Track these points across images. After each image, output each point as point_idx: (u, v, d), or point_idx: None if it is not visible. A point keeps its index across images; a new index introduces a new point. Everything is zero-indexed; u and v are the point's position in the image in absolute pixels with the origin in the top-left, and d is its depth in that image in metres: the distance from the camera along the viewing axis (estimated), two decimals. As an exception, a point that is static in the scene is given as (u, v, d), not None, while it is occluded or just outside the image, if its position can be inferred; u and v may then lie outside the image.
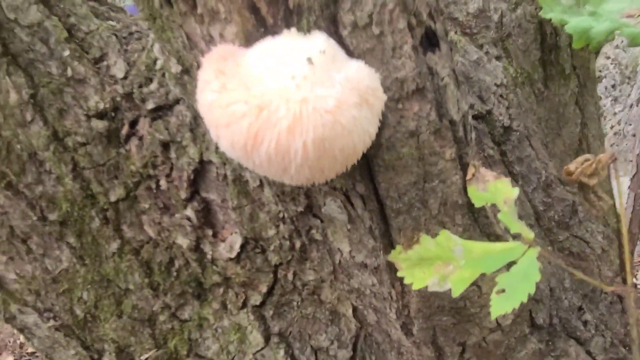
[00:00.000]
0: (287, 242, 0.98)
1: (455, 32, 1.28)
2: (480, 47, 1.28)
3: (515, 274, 0.77)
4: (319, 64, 0.70)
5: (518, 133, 1.21)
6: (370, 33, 0.75)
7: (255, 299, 1.03)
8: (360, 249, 0.92)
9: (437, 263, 0.81)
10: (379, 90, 0.73)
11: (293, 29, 0.73)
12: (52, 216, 0.98)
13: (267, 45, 0.73)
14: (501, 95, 1.22)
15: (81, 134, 0.96)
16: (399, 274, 0.80)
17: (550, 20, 1.17)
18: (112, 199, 0.99)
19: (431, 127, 0.81)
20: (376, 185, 0.86)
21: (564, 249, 1.28)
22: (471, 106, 1.17)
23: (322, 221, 0.94)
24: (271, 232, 0.98)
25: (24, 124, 0.94)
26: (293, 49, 0.71)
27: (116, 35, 1.01)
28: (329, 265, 0.99)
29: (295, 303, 1.05)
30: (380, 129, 0.80)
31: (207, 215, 1.00)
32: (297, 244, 0.98)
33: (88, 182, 0.98)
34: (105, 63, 0.99)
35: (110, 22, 1.03)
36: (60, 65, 0.96)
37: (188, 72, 0.86)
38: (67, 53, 0.96)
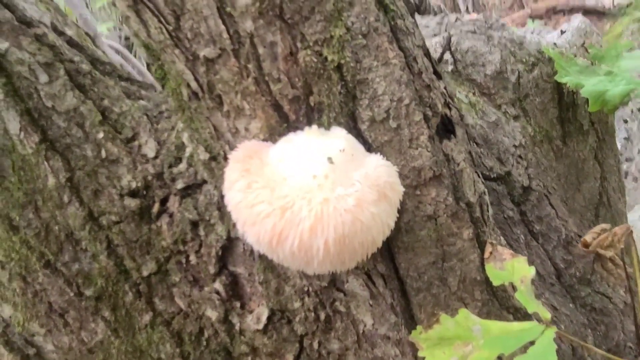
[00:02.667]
0: (312, 314, 1.01)
1: (474, 94, 1.32)
2: (499, 107, 1.31)
3: (533, 356, 0.79)
4: (338, 162, 0.74)
5: (537, 192, 1.24)
6: (388, 126, 0.79)
7: (283, 368, 1.07)
8: (383, 322, 0.95)
9: (457, 342, 0.84)
10: (396, 184, 0.76)
11: (314, 126, 0.78)
12: (88, 292, 1.03)
13: (290, 144, 0.77)
14: (520, 156, 1.25)
15: (115, 213, 1.01)
16: (419, 354, 0.83)
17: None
18: (145, 273, 1.03)
19: (448, 210, 0.84)
20: (396, 265, 0.89)
21: (586, 305, 1.29)
22: (490, 168, 1.20)
23: (345, 294, 0.97)
24: (297, 304, 1.01)
25: (61, 205, 1.00)
26: (314, 148, 0.75)
27: (147, 115, 1.06)
28: (353, 335, 1.02)
29: (321, 370, 1.08)
30: (399, 213, 0.83)
31: (235, 288, 1.04)
32: (322, 316, 1.01)
33: (122, 258, 1.03)
34: (136, 142, 1.04)
35: (142, 102, 1.08)
36: (95, 147, 1.01)
37: (215, 159, 0.91)
38: (101, 135, 1.02)
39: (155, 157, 1.03)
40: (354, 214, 0.71)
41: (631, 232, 0.91)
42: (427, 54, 0.83)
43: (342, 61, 0.76)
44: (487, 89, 1.32)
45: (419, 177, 0.82)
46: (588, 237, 0.97)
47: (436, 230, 0.85)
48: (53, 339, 1.07)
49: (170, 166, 1.02)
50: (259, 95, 0.79)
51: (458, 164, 0.85)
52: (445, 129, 0.85)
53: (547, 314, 0.83)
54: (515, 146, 1.24)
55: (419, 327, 0.85)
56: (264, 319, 1.03)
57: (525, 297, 0.85)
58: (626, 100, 1.16)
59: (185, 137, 0.93)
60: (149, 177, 1.02)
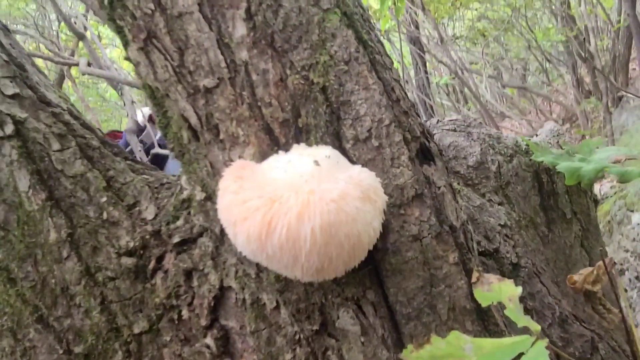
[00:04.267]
0: (304, 366, 0.99)
1: (458, 183, 1.39)
2: (483, 195, 1.38)
3: (526, 363, 0.78)
4: (324, 165, 0.80)
5: (527, 269, 1.26)
6: (371, 145, 0.86)
7: None
8: (376, 364, 0.93)
9: (450, 360, 0.82)
10: (380, 190, 0.81)
11: (302, 144, 0.84)
12: (78, 349, 1.02)
13: (280, 156, 0.83)
14: (506, 235, 1.29)
15: (111, 269, 1.04)
16: (411, 372, 0.81)
17: (545, 168, 1.28)
18: (136, 331, 1.03)
19: (432, 231, 0.88)
20: (385, 292, 0.90)
21: (590, 389, 1.25)
22: (478, 243, 1.23)
23: (337, 340, 0.96)
24: (288, 356, 0.99)
25: (60, 260, 1.03)
26: (302, 156, 0.81)
27: (149, 186, 1.13)
28: (347, 391, 0.99)
29: None
30: (386, 233, 0.87)
31: (226, 344, 1.03)
32: (315, 369, 0.99)
33: (114, 315, 1.03)
34: (137, 209, 1.10)
35: (144, 176, 1.16)
36: (97, 209, 1.07)
37: (211, 199, 0.96)
38: (104, 199, 1.08)
39: (154, 219, 1.08)
40: (338, 204, 0.75)
41: (614, 264, 0.92)
42: (402, 89, 0.93)
43: (327, 84, 0.86)
44: (470, 179, 1.40)
45: (402, 196, 0.87)
46: (575, 276, 0.98)
47: (422, 252, 0.88)
48: (36, 407, 1.03)
49: (168, 224, 1.06)
50: (252, 121, 0.87)
51: (439, 188, 0.90)
52: (425, 157, 0.92)
53: (537, 327, 0.83)
54: (501, 225, 1.29)
55: (409, 346, 0.84)
56: (255, 374, 1.00)
57: (514, 314, 0.85)
58: (600, 176, 1.24)
59: (183, 180, 0.99)
60: (147, 236, 1.06)
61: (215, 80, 0.87)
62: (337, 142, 0.87)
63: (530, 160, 1.39)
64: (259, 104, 0.86)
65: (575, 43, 7.23)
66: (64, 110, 1.16)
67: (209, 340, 1.02)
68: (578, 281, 0.97)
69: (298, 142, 0.87)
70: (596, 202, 1.53)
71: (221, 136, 0.89)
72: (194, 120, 0.91)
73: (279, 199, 0.76)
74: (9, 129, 1.04)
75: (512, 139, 1.43)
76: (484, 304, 0.87)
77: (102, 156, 1.13)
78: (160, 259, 1.06)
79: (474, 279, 0.90)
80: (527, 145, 1.41)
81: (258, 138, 0.88)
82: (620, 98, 7.25)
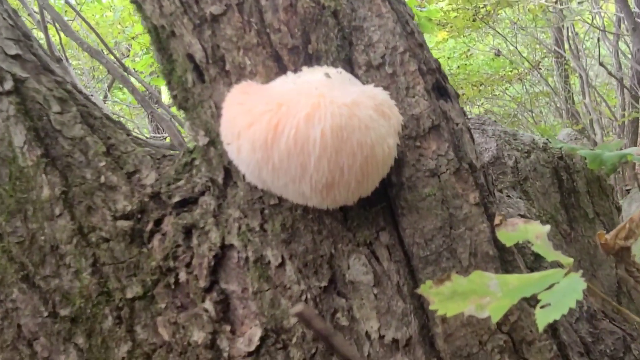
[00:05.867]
0: (311, 332, 0.89)
1: (473, 180, 1.33)
2: (500, 192, 1.31)
3: (558, 291, 0.70)
4: (336, 77, 0.75)
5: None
6: (384, 72, 0.82)
7: (276, 407, 0.90)
8: (390, 320, 0.84)
9: (472, 297, 0.74)
10: (394, 108, 0.76)
11: (314, 66, 0.80)
12: (64, 312, 0.93)
13: (289, 75, 0.78)
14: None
15: (106, 231, 0.97)
16: (430, 307, 0.72)
17: (564, 166, 1.23)
18: (129, 295, 0.95)
19: (451, 166, 0.81)
20: (401, 234, 0.83)
21: (626, 393, 1.13)
22: (497, 229, 1.15)
23: (347, 299, 0.88)
24: (293, 319, 0.90)
25: (51, 217, 0.96)
26: (312, 72, 0.77)
27: (151, 156, 1.08)
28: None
29: (321, 415, 0.91)
30: (400, 167, 0.81)
31: (226, 310, 0.94)
32: (322, 334, 0.89)
33: (106, 278, 0.95)
34: (137, 176, 1.04)
35: (147, 148, 1.11)
36: (95, 172, 1.01)
37: (214, 144, 0.91)
38: (102, 164, 1.02)
39: (154, 183, 1.02)
40: (351, 108, 0.70)
41: (650, 216, 0.85)
42: (417, 27, 0.89)
43: (338, 7, 0.82)
44: (487, 176, 1.33)
45: (418, 127, 0.81)
46: (607, 236, 0.90)
47: (440, 189, 0.81)
48: (15, 379, 0.93)
49: (168, 184, 1.00)
50: (260, 48, 0.83)
51: (457, 124, 0.85)
52: (441, 94, 0.87)
53: (569, 260, 0.75)
54: (520, 215, 1.22)
55: (428, 282, 0.75)
56: (256, 340, 0.91)
57: (543, 249, 0.77)
58: (623, 160, 1.18)
59: (187, 126, 0.94)
60: (146, 199, 1.00)
61: (222, 7, 0.83)
62: (349, 68, 0.82)
63: (549, 157, 1.33)
64: (268, 30, 0.83)
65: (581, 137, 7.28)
66: (67, 81, 1.13)
67: (207, 305, 0.93)
68: (609, 238, 0.89)
69: (308, 69, 0.82)
70: (619, 209, 1.46)
71: (227, 67, 0.85)
72: (199, 55, 0.87)
73: (287, 102, 0.70)
74: (9, 84, 1.01)
75: (529, 136, 1.38)
76: (508, 244, 0.79)
77: (103, 125, 1.09)
78: (158, 222, 1.00)
79: (497, 221, 0.83)
80: (545, 142, 1.36)
81: (266, 67, 0.83)
82: (628, 191, 7.21)
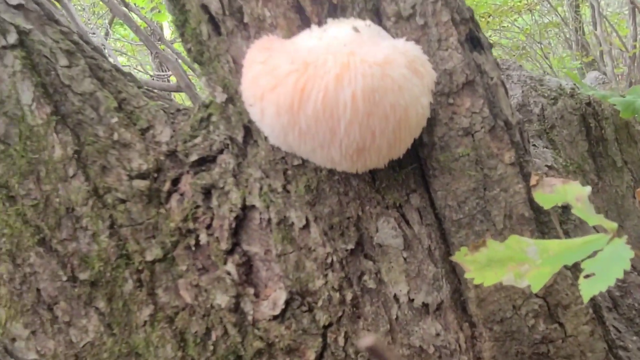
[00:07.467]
0: (337, 294, 0.87)
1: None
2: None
3: (603, 259, 0.66)
4: (365, 32, 0.70)
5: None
6: (415, 24, 0.76)
7: (303, 370, 0.89)
8: (420, 284, 0.82)
9: (510, 264, 0.71)
10: (427, 64, 0.71)
11: (339, 18, 0.74)
12: (83, 275, 0.91)
13: (314, 28, 0.73)
14: (553, 177, 1.17)
15: (122, 192, 0.94)
16: (466, 276, 0.69)
17: (592, 113, 1.17)
18: (148, 258, 0.92)
19: (485, 124, 0.77)
20: (432, 196, 0.79)
21: (652, 346, 1.12)
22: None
23: (374, 262, 0.85)
24: (319, 282, 0.88)
25: (65, 178, 0.93)
26: (339, 24, 0.71)
27: (164, 111, 1.03)
28: (385, 323, 0.87)
29: (348, 377, 0.90)
30: (432, 126, 0.77)
31: (248, 273, 0.91)
32: (348, 296, 0.87)
33: (124, 240, 0.93)
34: (151, 132, 1.00)
35: (160, 102, 1.06)
36: (108, 130, 0.97)
37: (232, 101, 0.86)
38: (115, 120, 0.98)
39: (170, 140, 0.98)
40: (383, 68, 0.65)
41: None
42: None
43: (365, -47, 0.76)
44: (511, 123, 1.28)
45: (451, 83, 0.76)
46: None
47: (474, 149, 0.77)
48: (36, 343, 0.92)
49: (185, 142, 0.96)
50: (280, -1, 0.77)
51: (492, 78, 0.79)
52: (474, 46, 0.81)
53: (613, 225, 0.71)
54: (547, 166, 1.17)
55: (463, 249, 0.72)
56: (280, 303, 0.89)
57: (584, 213, 0.74)
58: (659, 108, 1.12)
59: (203, 81, 0.89)
60: (162, 158, 0.96)
61: (239, -46, 0.77)
62: (377, 19, 0.77)
63: (576, 103, 1.28)
64: (289, -22, 0.77)
65: (590, 70, 7.11)
66: (73, 31, 1.07)
67: (229, 267, 0.91)
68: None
69: (333, 21, 0.76)
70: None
71: (245, 19, 0.79)
72: (215, 5, 0.81)
73: (314, 62, 0.65)
74: (12, 37, 0.95)
75: (556, 81, 1.32)
76: (546, 207, 0.75)
77: (113, 78, 1.04)
78: (176, 181, 0.96)
79: (533, 182, 0.79)
80: (572, 88, 1.30)
81: (287, 19, 0.78)
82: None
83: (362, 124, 0.65)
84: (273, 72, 0.67)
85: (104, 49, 4.07)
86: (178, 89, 2.62)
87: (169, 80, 4.45)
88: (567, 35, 7.95)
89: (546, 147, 1.25)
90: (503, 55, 8.60)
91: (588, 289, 0.64)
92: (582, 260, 0.67)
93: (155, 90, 1.14)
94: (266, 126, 0.70)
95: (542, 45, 8.16)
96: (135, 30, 2.35)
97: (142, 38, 2.46)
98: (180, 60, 2.87)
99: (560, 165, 1.23)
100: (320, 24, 0.77)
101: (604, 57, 7.43)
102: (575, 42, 7.65)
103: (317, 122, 0.65)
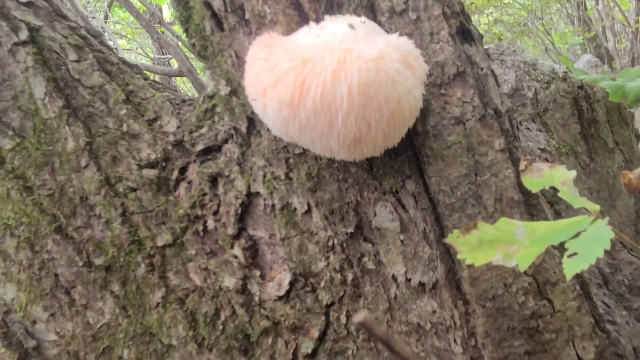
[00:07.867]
0: (338, 275, 0.92)
1: (492, 112, 1.32)
2: (520, 124, 1.31)
3: (585, 240, 0.71)
4: (360, 29, 0.74)
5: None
6: (408, 19, 0.80)
7: (307, 346, 0.94)
8: (416, 265, 0.87)
9: (499, 245, 0.75)
10: (420, 58, 0.75)
11: (336, 15, 0.78)
12: (98, 261, 0.96)
13: (311, 27, 0.77)
14: (546, 159, 1.22)
15: (132, 180, 0.98)
16: (459, 256, 0.74)
17: (584, 96, 1.21)
18: (159, 243, 0.97)
19: (476, 113, 0.81)
20: (426, 181, 0.84)
21: (641, 318, 1.17)
22: (517, 164, 1.16)
23: (373, 244, 0.90)
24: (321, 264, 0.93)
25: (78, 169, 0.97)
26: (336, 21, 0.75)
27: (170, 102, 1.08)
28: (384, 302, 0.92)
29: (350, 352, 0.96)
30: (426, 116, 0.81)
31: (254, 257, 0.97)
32: (349, 277, 0.92)
33: (136, 227, 0.98)
34: (158, 123, 1.04)
35: (165, 93, 1.11)
36: (117, 121, 1.02)
37: (236, 93, 0.90)
38: (123, 112, 1.02)
39: (176, 130, 1.02)
40: (377, 63, 0.69)
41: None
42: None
43: (360, -49, 0.80)
44: (505, 107, 1.33)
45: (443, 74, 0.81)
46: (630, 175, 0.91)
47: (465, 136, 0.82)
48: (56, 325, 0.98)
49: (191, 132, 1.01)
50: (280, -4, 0.81)
51: (482, 69, 0.84)
52: (465, 38, 0.85)
53: (596, 207, 0.75)
54: (540, 149, 1.22)
55: (456, 231, 0.77)
56: (285, 284, 0.94)
57: (569, 196, 0.78)
58: (646, 92, 1.16)
59: (207, 74, 0.93)
60: (169, 147, 1.01)
61: (240, -46, 0.81)
62: (372, 15, 0.81)
63: (569, 86, 1.32)
64: (288, -23, 0.80)
65: (592, 46, 7.11)
66: (80, 26, 1.11)
67: (236, 251, 0.96)
68: (633, 177, 0.90)
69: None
70: (638, 136, 1.45)
71: (247, 16, 0.83)
72: (217, 2, 0.85)
73: (312, 59, 0.69)
74: (24, 34, 0.99)
75: (549, 65, 1.35)
76: (534, 190, 0.80)
77: (120, 71, 1.08)
78: (183, 170, 1.01)
79: (522, 167, 0.83)
80: (564, 72, 1.34)
81: (286, 15, 0.82)
82: (640, 98, 7.08)
83: (358, 116, 0.70)
84: (274, 69, 0.71)
85: (104, 32, 4.09)
86: (180, 74, 2.66)
87: (170, 64, 4.47)
88: (569, 11, 7.93)
89: (539, 130, 1.29)
90: (504, 32, 8.59)
91: (571, 267, 0.69)
92: (567, 241, 0.71)
93: (161, 82, 1.19)
94: (269, 119, 0.74)
95: (544, 21, 8.14)
96: (136, 15, 2.38)
97: (143, 24, 2.49)
98: (180, 43, 2.90)
99: (553, 148, 1.27)
100: (317, 20, 0.81)
101: (606, 32, 7.41)
102: (577, 17, 7.64)
103: (316, 115, 0.70)
